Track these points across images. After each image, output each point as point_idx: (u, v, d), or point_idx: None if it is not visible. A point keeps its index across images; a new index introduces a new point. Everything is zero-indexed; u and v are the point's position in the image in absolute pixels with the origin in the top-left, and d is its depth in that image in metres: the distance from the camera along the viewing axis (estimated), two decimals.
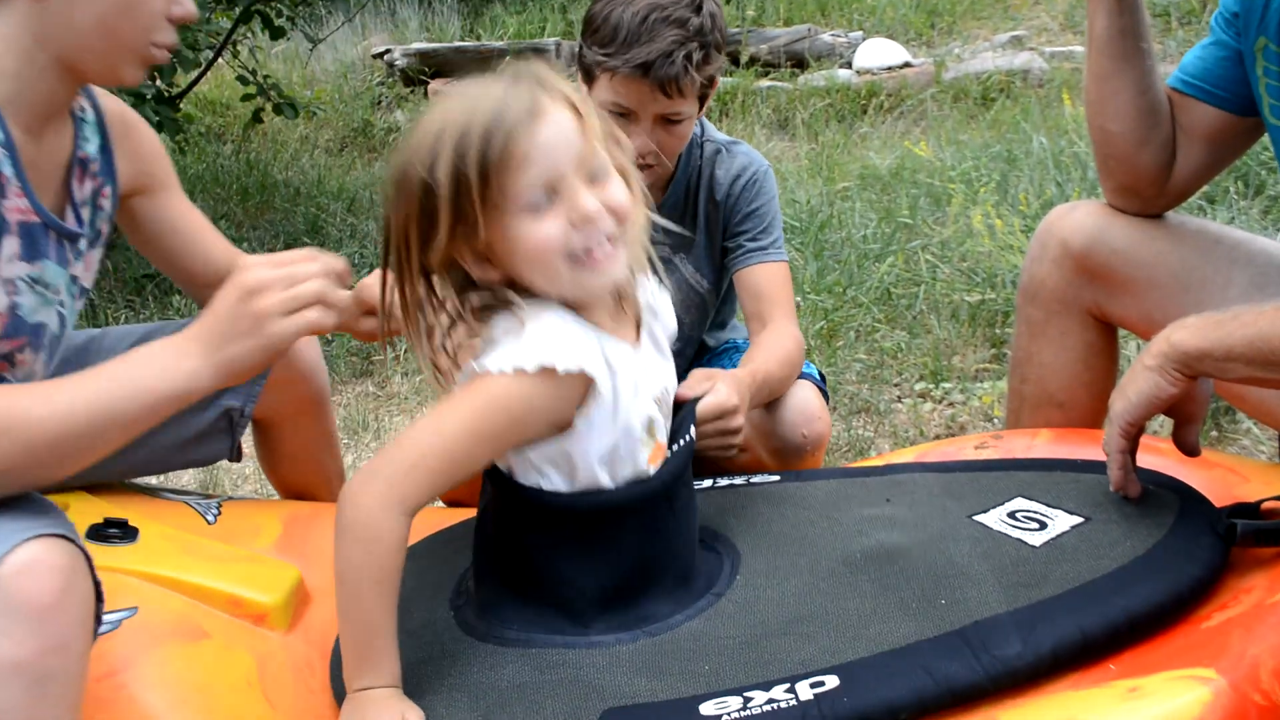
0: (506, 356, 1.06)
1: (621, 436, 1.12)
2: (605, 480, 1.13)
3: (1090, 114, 1.56)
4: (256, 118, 4.57)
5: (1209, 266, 1.49)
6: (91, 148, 1.37)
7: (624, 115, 1.61)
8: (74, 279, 1.34)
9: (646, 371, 1.17)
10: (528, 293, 1.10)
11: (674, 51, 1.56)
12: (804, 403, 1.66)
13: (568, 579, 1.14)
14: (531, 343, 1.06)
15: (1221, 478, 1.34)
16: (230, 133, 5.97)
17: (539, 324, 1.08)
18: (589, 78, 1.65)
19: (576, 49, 1.69)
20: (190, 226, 1.54)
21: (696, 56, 1.58)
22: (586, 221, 1.06)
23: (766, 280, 1.74)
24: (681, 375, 1.36)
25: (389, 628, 1.06)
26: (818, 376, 1.79)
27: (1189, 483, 1.27)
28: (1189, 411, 1.23)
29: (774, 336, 1.68)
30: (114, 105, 1.44)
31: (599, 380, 1.08)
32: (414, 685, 1.10)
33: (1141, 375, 1.20)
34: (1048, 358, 1.60)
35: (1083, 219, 1.56)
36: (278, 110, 4.37)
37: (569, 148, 1.06)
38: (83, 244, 1.35)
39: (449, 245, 1.08)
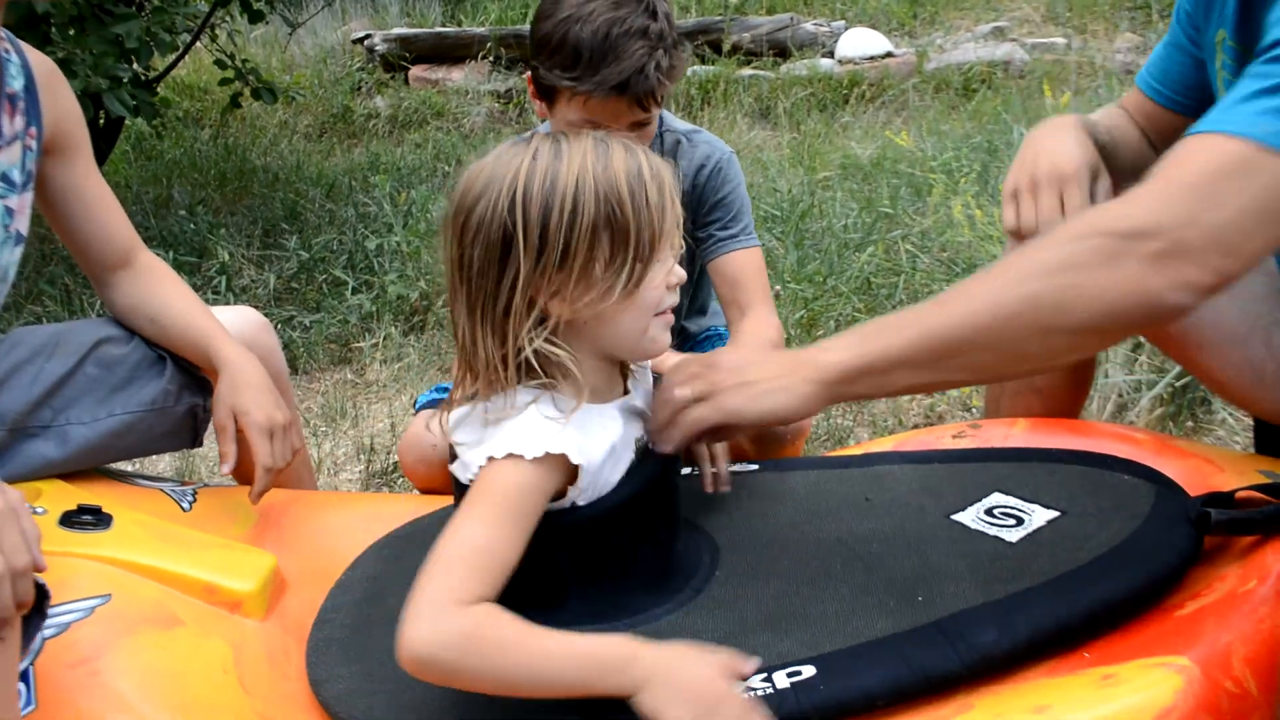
0: (504, 444, 1.05)
1: (610, 474, 1.13)
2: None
3: None
4: (235, 102, 4.54)
5: None
6: (18, 85, 1.37)
7: (594, 127, 1.58)
8: (9, 211, 1.33)
9: (631, 421, 1.18)
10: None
11: (645, 65, 1.53)
12: None
13: (549, 567, 1.14)
14: (525, 431, 1.06)
15: (1197, 467, 1.35)
16: (208, 117, 5.93)
17: (525, 417, 1.07)
18: (548, 97, 1.62)
19: (531, 67, 1.64)
20: (97, 199, 1.54)
21: (665, 63, 1.56)
22: (678, 284, 1.13)
23: (740, 268, 1.73)
24: None
25: (568, 651, 0.99)
26: None
27: (1164, 472, 1.28)
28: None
29: (753, 325, 1.68)
30: (39, 57, 1.44)
31: (583, 466, 1.08)
32: (391, 671, 1.10)
33: (779, 394, 1.15)
34: None
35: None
36: (256, 95, 4.34)
37: (678, 214, 1.11)
38: (15, 175, 1.34)
39: (573, 282, 1.06)
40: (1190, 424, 2.27)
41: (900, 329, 1.11)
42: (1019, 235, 1.36)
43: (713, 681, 0.96)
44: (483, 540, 1.03)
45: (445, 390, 1.78)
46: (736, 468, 1.44)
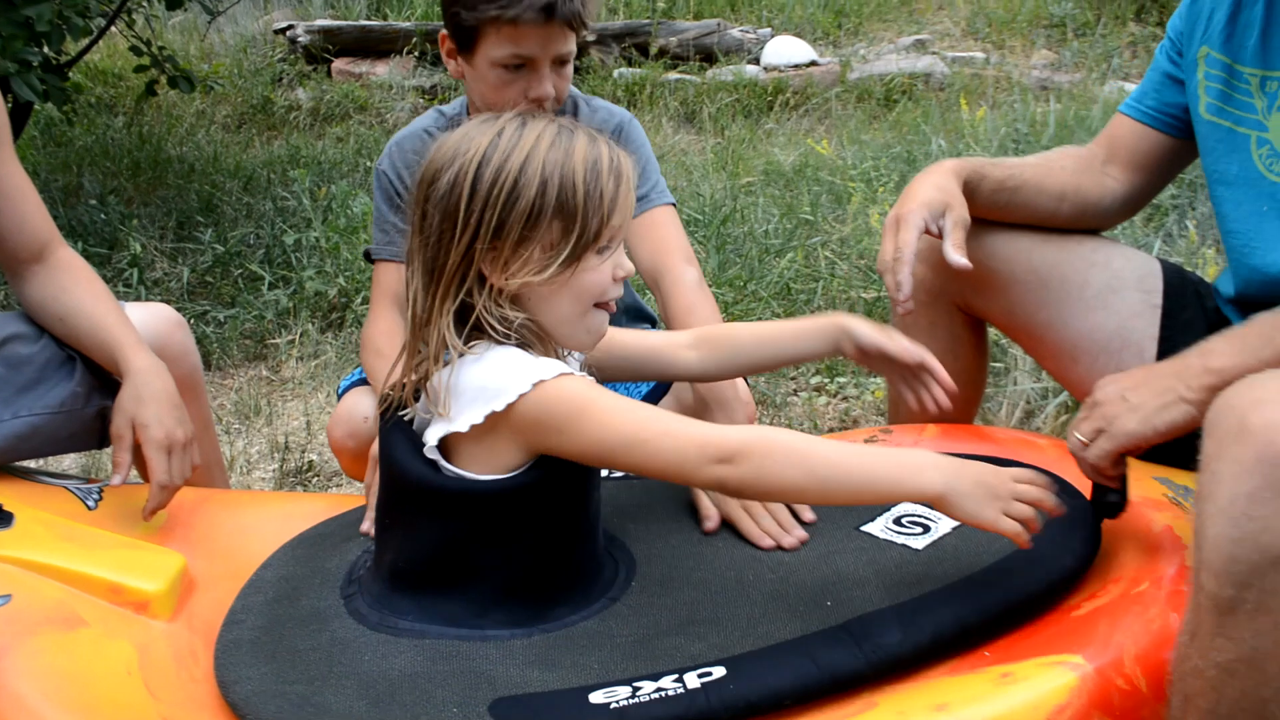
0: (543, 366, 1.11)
1: None
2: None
3: None
4: (150, 90, 4.43)
5: (1068, 266, 1.55)
6: None
7: (520, 66, 1.58)
8: None
9: None
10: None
11: None
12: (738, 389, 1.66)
13: (476, 568, 1.14)
14: (535, 360, 1.13)
15: None
16: (122, 105, 5.77)
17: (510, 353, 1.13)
18: (469, 42, 1.60)
19: (446, 20, 1.64)
20: (16, 190, 1.51)
21: None
22: (623, 278, 1.18)
23: (653, 227, 1.70)
24: None
25: (870, 451, 1.13)
26: None
27: (1065, 478, 1.32)
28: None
29: (682, 301, 1.62)
30: None
31: None
32: (301, 672, 1.09)
33: (1176, 406, 1.16)
34: None
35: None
36: (173, 83, 4.24)
37: (630, 207, 1.17)
38: None
39: (508, 256, 1.11)
40: None
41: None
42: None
43: (996, 473, 1.08)
44: (639, 408, 1.12)
45: None
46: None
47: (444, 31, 1.66)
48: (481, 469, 1.13)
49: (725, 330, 1.40)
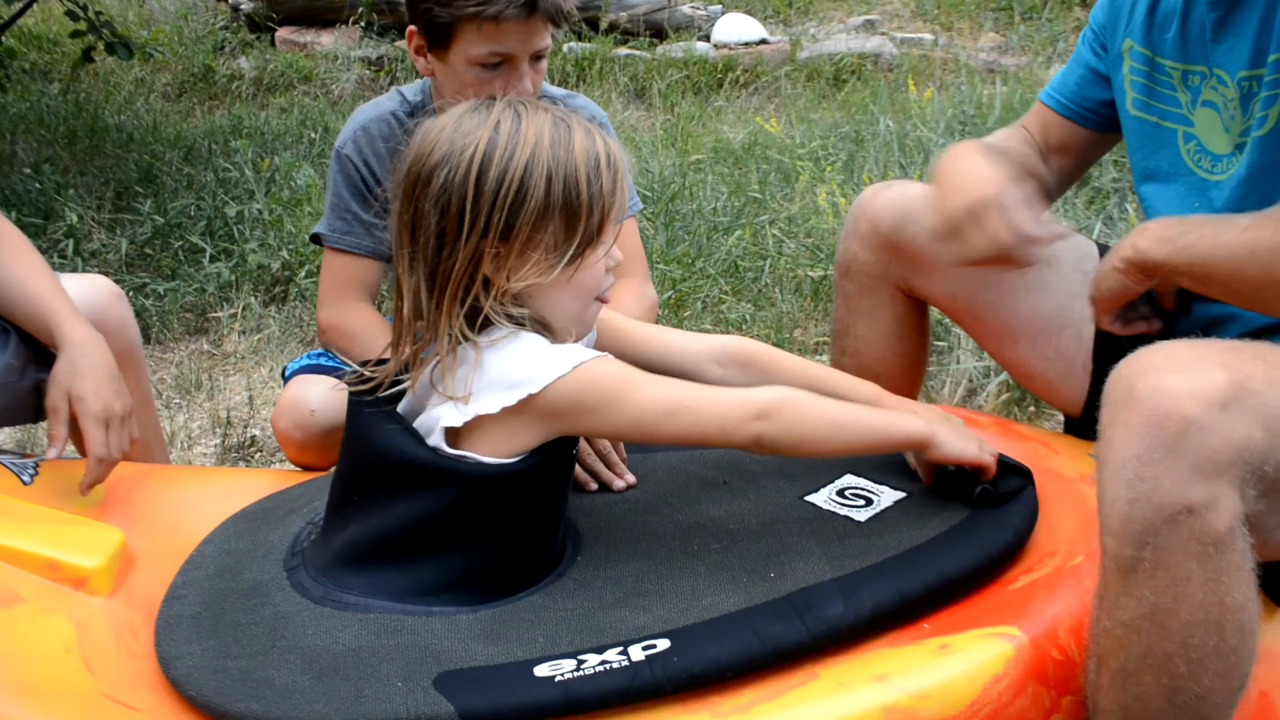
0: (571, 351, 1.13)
1: None
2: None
3: None
4: (87, 56, 4.32)
5: None
6: None
7: (498, 64, 1.55)
8: None
9: None
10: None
11: None
12: None
13: (446, 549, 1.14)
14: (562, 347, 1.15)
15: (1035, 450, 1.43)
16: (57, 71, 5.63)
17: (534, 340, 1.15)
18: (444, 39, 1.56)
19: (414, 16, 1.59)
20: None
21: None
22: (615, 267, 1.20)
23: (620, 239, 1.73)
24: None
25: (860, 409, 1.21)
26: None
27: (1005, 454, 1.35)
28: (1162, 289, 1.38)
29: (629, 300, 1.67)
30: None
31: None
32: (243, 647, 1.08)
33: (1110, 275, 1.34)
34: (862, 330, 1.66)
35: (894, 199, 1.60)
36: (110, 50, 4.14)
37: (625, 198, 1.17)
38: None
39: (515, 257, 1.11)
40: (1032, 409, 2.39)
41: (1205, 240, 1.24)
42: (977, 263, 1.41)
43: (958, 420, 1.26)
44: (670, 380, 1.16)
45: (319, 357, 1.75)
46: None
47: (412, 28, 1.61)
48: (489, 452, 1.13)
49: (766, 358, 1.35)
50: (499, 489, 1.14)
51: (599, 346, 1.30)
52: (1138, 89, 1.48)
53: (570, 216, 1.11)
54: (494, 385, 1.11)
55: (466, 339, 1.13)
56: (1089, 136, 1.61)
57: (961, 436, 1.23)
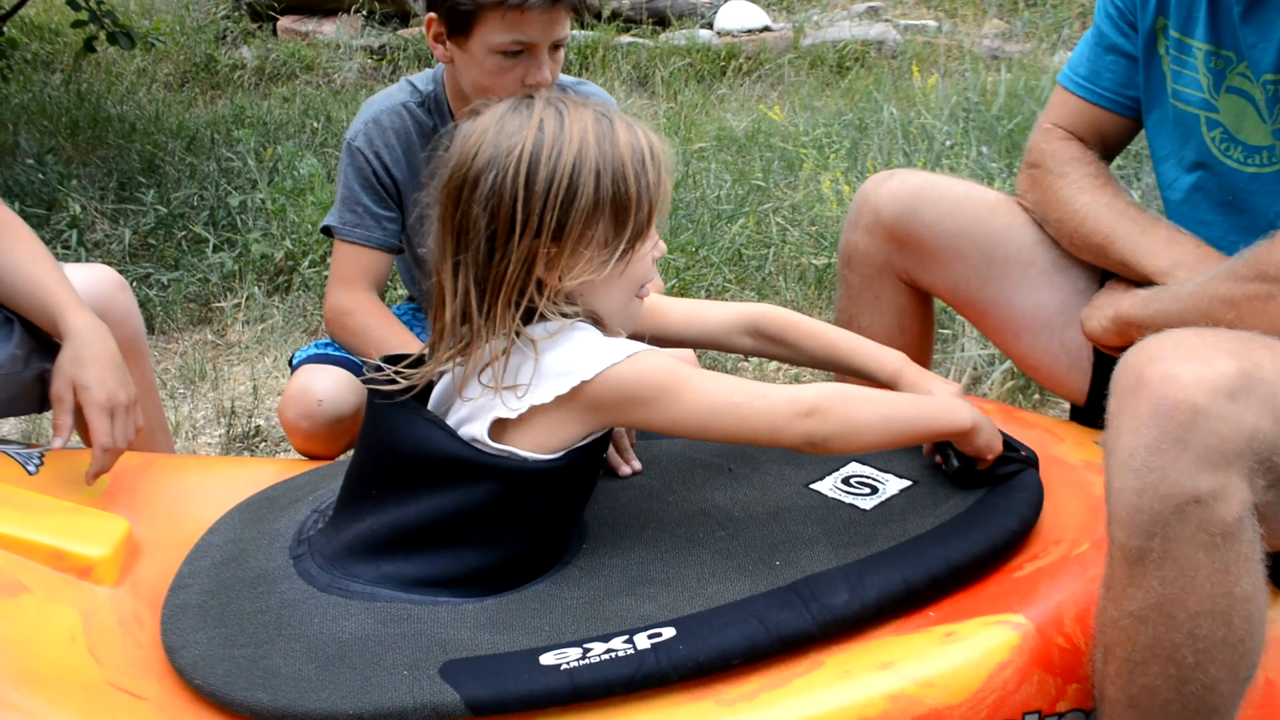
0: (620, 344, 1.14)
1: None
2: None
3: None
4: (89, 46, 4.31)
5: (1014, 244, 1.54)
6: None
7: (519, 52, 1.54)
8: None
9: None
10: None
11: None
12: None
13: (467, 542, 1.14)
14: (611, 340, 1.16)
15: (1039, 437, 1.42)
16: (59, 61, 5.61)
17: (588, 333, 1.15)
18: (465, 26, 1.54)
19: (434, 3, 1.57)
20: None
21: None
22: (660, 258, 1.20)
23: None
24: None
25: (906, 399, 1.23)
26: None
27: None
28: None
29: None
30: None
31: None
32: (249, 635, 1.08)
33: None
34: (865, 320, 1.66)
35: (897, 189, 1.59)
36: (112, 40, 4.13)
37: (669, 191, 1.18)
38: None
39: (567, 256, 1.11)
40: (1037, 397, 2.39)
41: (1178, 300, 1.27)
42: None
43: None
44: (721, 376, 1.16)
45: (326, 347, 1.75)
46: None
47: (432, 14, 1.59)
48: (533, 446, 1.13)
49: (794, 329, 1.37)
50: (534, 486, 1.13)
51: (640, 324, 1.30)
52: (1175, 77, 1.42)
53: (620, 211, 1.11)
54: (548, 374, 1.11)
55: (521, 336, 1.12)
56: (1126, 125, 1.54)
57: (994, 432, 1.23)
